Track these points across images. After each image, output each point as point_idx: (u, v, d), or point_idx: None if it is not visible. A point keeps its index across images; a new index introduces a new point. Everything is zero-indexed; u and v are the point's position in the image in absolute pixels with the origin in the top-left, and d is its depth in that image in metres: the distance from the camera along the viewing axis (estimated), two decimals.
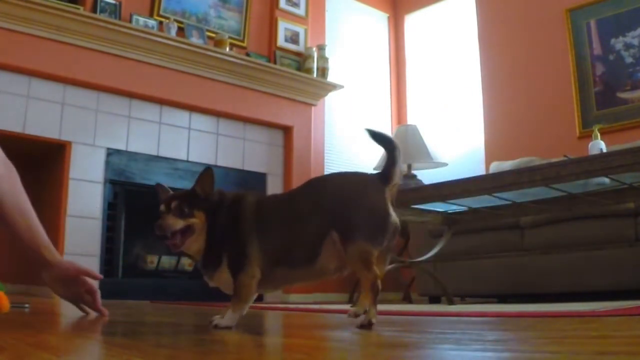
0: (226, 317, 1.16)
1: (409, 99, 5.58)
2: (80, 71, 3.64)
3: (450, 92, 5.22)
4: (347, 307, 2.73)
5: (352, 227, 1.12)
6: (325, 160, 4.94)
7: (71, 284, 1.49)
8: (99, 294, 1.52)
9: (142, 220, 4.20)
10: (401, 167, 1.26)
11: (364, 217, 1.14)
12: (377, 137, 1.29)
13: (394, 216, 1.17)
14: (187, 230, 1.18)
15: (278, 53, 4.71)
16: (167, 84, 4.01)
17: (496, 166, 4.06)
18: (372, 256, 1.12)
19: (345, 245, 1.12)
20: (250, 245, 1.17)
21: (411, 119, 5.42)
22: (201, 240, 1.20)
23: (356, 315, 1.19)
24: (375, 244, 1.13)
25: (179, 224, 1.17)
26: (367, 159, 5.05)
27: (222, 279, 1.20)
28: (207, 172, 1.23)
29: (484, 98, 4.89)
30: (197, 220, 1.19)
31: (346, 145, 5.14)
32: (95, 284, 1.54)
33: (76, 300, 1.54)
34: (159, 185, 1.29)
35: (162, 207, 1.20)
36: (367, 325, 1.14)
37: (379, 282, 1.14)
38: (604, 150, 3.02)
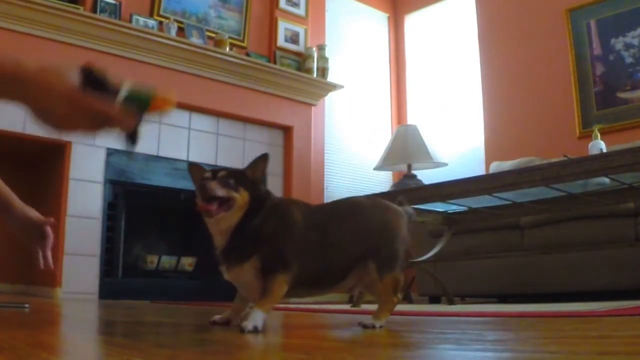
0: (253, 316, 1.08)
1: (409, 99, 5.58)
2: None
3: (450, 92, 5.22)
4: (347, 307, 2.73)
5: (393, 260, 1.19)
6: (325, 160, 4.94)
7: (31, 229, 1.48)
8: (51, 240, 1.50)
9: (142, 220, 4.20)
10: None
11: (401, 250, 1.21)
12: None
13: None
14: (226, 202, 1.13)
15: (278, 53, 4.71)
16: (167, 84, 4.01)
17: (496, 166, 4.06)
18: (402, 282, 1.21)
19: (382, 275, 1.17)
20: (292, 257, 1.13)
21: (411, 119, 5.42)
22: (235, 220, 1.14)
23: (373, 327, 1.18)
24: (403, 271, 1.22)
25: (222, 191, 1.12)
26: (367, 159, 5.05)
27: (243, 274, 1.14)
28: (264, 157, 1.19)
29: (484, 98, 4.89)
30: (240, 197, 1.13)
31: (346, 145, 5.14)
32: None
33: (34, 247, 1.50)
34: (192, 165, 1.23)
35: (208, 174, 1.15)
36: (369, 326, 1.16)
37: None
38: (604, 150, 3.03)
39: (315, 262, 1.16)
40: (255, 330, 1.05)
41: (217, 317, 1.25)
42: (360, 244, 1.19)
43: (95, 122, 0.92)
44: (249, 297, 1.22)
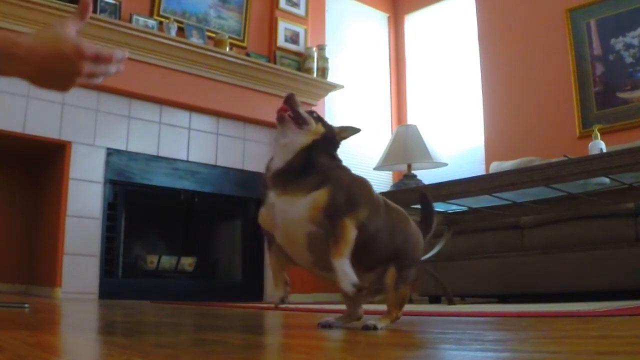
0: (342, 270, 1.03)
1: (409, 99, 5.58)
2: None
3: (450, 92, 5.22)
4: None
5: (409, 275, 1.20)
6: None
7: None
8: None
9: (142, 220, 4.20)
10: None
11: (417, 268, 1.24)
12: (426, 204, 1.42)
13: None
14: (301, 118, 1.14)
15: (278, 53, 4.71)
16: (167, 84, 4.01)
17: (496, 166, 4.06)
18: (407, 299, 1.23)
19: (398, 286, 1.17)
20: (362, 206, 1.09)
21: (411, 119, 5.42)
22: (301, 142, 1.11)
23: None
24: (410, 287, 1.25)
25: (302, 109, 1.15)
26: (367, 159, 5.05)
27: (297, 207, 1.05)
28: (357, 130, 1.23)
29: (484, 98, 4.89)
30: (315, 126, 1.15)
31: (346, 145, 5.13)
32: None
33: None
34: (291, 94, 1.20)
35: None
36: (370, 327, 1.16)
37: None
38: (604, 150, 3.02)
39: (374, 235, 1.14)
40: (356, 286, 1.03)
41: (278, 299, 1.15)
42: (394, 243, 1.18)
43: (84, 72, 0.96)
44: (286, 247, 1.12)
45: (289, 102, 1.14)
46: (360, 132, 1.24)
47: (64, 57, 0.92)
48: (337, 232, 1.04)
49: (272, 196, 1.08)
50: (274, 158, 1.12)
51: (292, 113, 1.13)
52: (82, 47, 0.93)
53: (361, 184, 1.16)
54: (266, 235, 1.14)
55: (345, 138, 1.21)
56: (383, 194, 3.50)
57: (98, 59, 0.95)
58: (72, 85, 0.97)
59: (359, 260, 1.10)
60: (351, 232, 1.05)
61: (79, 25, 0.97)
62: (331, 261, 1.04)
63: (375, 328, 1.15)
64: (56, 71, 0.93)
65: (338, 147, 1.19)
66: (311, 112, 1.18)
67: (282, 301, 1.13)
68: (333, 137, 1.17)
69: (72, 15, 0.99)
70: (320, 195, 1.05)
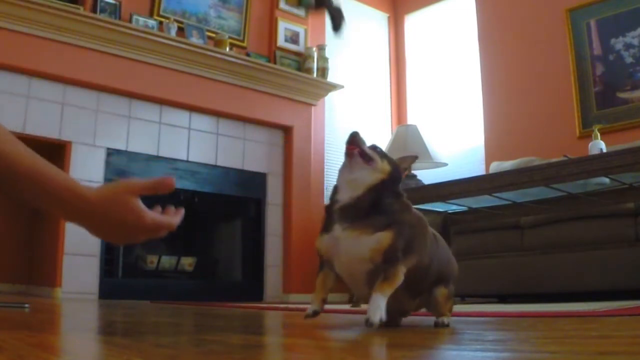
0: (377, 304, 1.05)
1: (409, 99, 5.58)
2: (80, 71, 3.64)
3: (450, 92, 5.22)
4: (346, 307, 2.73)
5: (453, 288, 1.28)
6: (325, 160, 4.94)
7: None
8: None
9: None
10: None
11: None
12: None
13: None
14: (368, 156, 1.15)
15: (278, 53, 4.71)
16: (167, 84, 4.01)
17: (496, 166, 4.06)
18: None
19: (447, 300, 1.26)
20: (417, 253, 1.14)
21: (411, 119, 5.42)
22: (370, 180, 1.13)
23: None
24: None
25: (366, 147, 1.16)
26: None
27: (364, 243, 1.08)
28: (414, 157, 1.28)
29: (484, 98, 4.89)
30: (381, 163, 1.15)
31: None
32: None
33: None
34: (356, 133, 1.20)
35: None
36: (445, 324, 1.23)
37: None
38: (604, 150, 3.03)
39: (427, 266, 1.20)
40: (382, 322, 1.04)
41: (310, 310, 1.19)
42: (440, 269, 1.24)
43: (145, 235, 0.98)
44: (344, 277, 1.16)
45: (355, 142, 1.15)
46: (416, 157, 1.31)
47: (126, 226, 0.94)
48: (388, 275, 1.09)
49: (338, 229, 1.11)
50: (340, 191, 1.14)
51: (360, 151, 1.15)
52: (146, 221, 0.95)
53: (421, 228, 1.19)
54: (321, 258, 1.18)
55: (406, 168, 1.23)
56: None
57: (157, 229, 0.98)
58: (125, 243, 1.05)
59: (408, 289, 1.15)
60: (400, 278, 1.10)
61: (147, 194, 0.99)
62: (372, 293, 1.08)
63: (443, 324, 1.22)
64: (111, 231, 0.96)
65: (402, 180, 1.21)
66: (375, 148, 1.19)
67: (315, 314, 1.17)
68: (399, 174, 1.19)
69: (146, 183, 1.01)
70: (384, 237, 1.08)
